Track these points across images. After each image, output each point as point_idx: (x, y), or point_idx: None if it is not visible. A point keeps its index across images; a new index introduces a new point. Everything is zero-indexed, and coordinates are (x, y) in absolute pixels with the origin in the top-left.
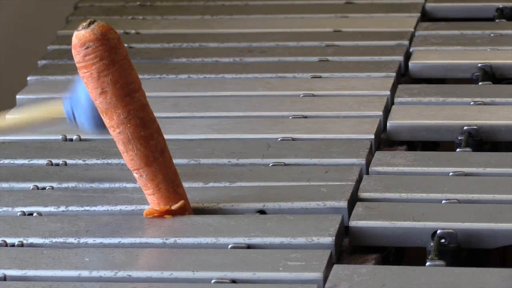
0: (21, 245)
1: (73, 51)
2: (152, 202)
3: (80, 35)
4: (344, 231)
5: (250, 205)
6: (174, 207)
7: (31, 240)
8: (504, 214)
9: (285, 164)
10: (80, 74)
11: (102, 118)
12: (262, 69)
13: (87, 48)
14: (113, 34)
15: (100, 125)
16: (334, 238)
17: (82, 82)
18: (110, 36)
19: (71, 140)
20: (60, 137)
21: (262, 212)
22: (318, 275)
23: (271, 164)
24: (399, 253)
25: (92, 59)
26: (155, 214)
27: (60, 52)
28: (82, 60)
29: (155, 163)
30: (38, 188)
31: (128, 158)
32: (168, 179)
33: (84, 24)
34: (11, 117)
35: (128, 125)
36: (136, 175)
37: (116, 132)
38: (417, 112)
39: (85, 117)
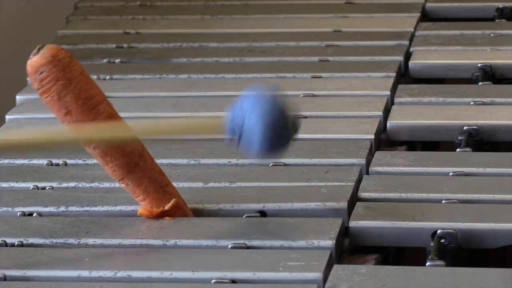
0: (21, 245)
1: (30, 79)
2: (145, 207)
3: (32, 62)
4: (344, 233)
5: (250, 206)
6: (167, 207)
7: (31, 240)
8: (504, 214)
9: (285, 164)
10: (43, 101)
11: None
12: (262, 69)
13: (41, 73)
14: (64, 54)
15: (270, 148)
16: (334, 241)
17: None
18: (61, 56)
19: None
20: None
21: (262, 213)
22: (318, 275)
23: (271, 164)
24: (399, 253)
25: (48, 83)
26: (150, 217)
27: None
28: (40, 86)
29: (137, 169)
30: (38, 188)
31: (110, 170)
32: (154, 181)
33: (34, 50)
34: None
35: None
36: (123, 185)
37: (91, 147)
38: (417, 112)
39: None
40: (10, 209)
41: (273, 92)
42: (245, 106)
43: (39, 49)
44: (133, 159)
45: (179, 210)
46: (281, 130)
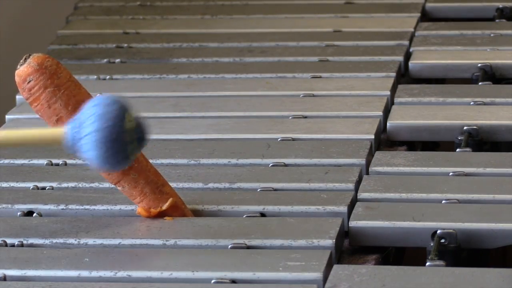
0: (21, 245)
1: (19, 89)
2: (143, 208)
3: (20, 72)
4: (344, 233)
5: (250, 207)
6: (164, 206)
7: (31, 240)
8: (504, 214)
9: (285, 165)
10: (34, 110)
11: None
12: (262, 69)
13: (29, 82)
14: (50, 61)
15: (110, 162)
16: (334, 241)
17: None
18: (47, 64)
19: None
20: None
21: (262, 214)
22: (318, 275)
23: (271, 165)
24: (399, 253)
25: (37, 91)
26: (148, 217)
27: (60, 52)
28: (29, 96)
29: (132, 170)
30: (38, 188)
31: (105, 173)
32: (150, 181)
33: (21, 61)
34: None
35: None
36: (119, 189)
37: None
38: (417, 112)
39: (91, 149)
40: (10, 208)
41: (112, 105)
42: (83, 119)
43: (25, 59)
44: None
45: (177, 210)
46: (117, 146)
